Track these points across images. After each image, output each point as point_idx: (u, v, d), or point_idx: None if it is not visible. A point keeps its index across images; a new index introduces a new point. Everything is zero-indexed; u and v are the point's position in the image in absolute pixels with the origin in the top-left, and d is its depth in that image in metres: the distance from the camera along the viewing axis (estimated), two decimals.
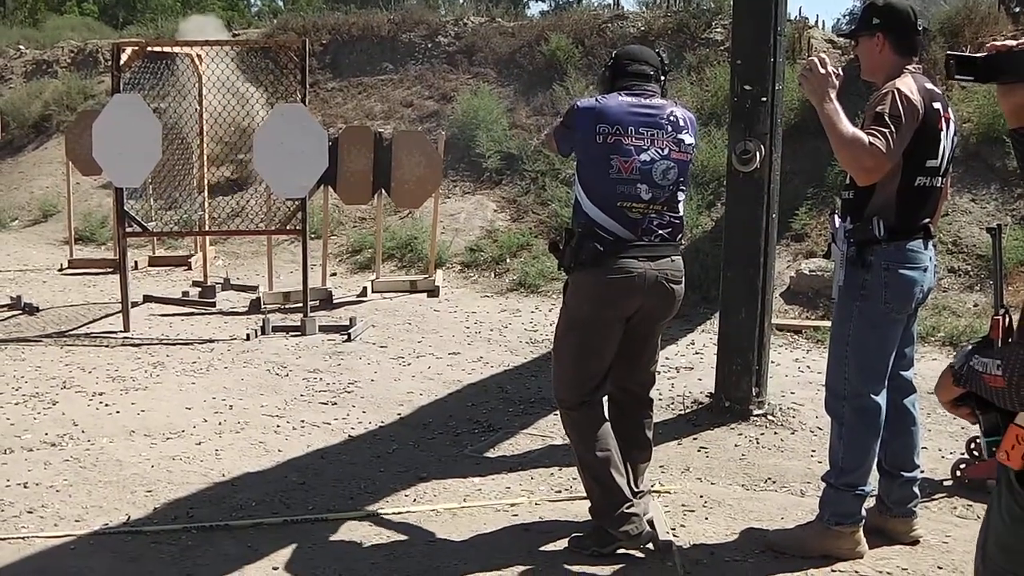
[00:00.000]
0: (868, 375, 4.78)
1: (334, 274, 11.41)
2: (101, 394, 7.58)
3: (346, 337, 8.98)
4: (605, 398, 5.13)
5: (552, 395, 5.25)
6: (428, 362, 8.28)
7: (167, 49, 11.41)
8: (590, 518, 5.09)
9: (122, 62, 9.70)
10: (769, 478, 5.90)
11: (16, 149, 17.40)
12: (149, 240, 12.78)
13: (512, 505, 5.54)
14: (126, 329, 9.48)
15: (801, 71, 4.68)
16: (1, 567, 4.91)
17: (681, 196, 5.07)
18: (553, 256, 5.16)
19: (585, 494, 5.09)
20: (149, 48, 10.54)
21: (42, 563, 4.98)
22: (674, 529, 5.18)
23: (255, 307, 10.13)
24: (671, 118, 5.03)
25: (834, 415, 4.88)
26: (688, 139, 5.08)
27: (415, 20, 16.18)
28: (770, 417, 6.84)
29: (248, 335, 9.11)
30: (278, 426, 6.85)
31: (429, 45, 15.65)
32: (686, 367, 8.00)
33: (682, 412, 7.03)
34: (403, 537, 5.16)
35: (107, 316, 10.12)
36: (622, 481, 4.97)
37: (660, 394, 7.30)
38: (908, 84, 4.60)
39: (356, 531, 5.23)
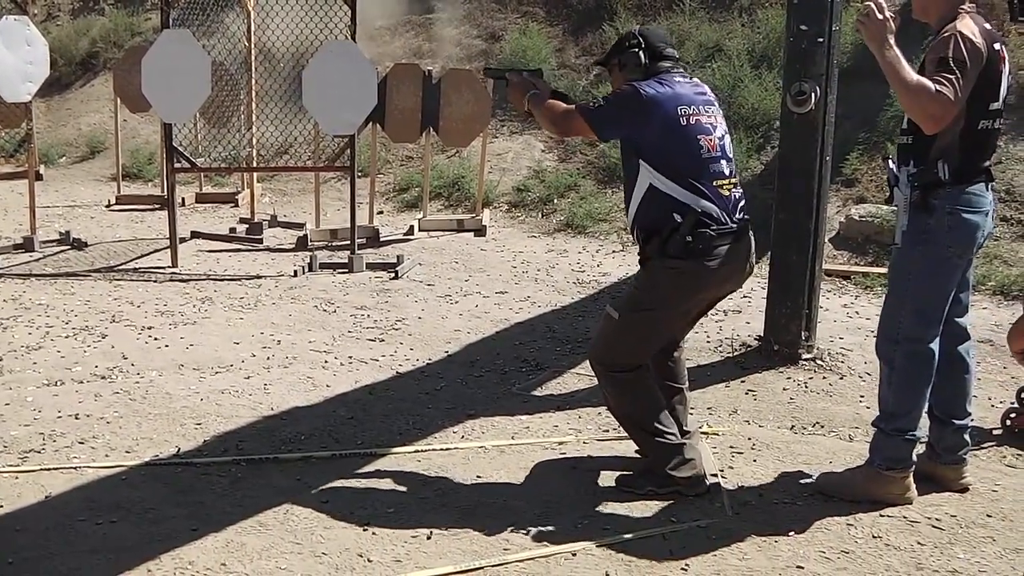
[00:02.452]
0: (924, 320, 4.72)
1: (381, 212, 11.40)
2: (150, 328, 7.63)
3: (393, 275, 8.99)
4: None
5: (596, 359, 5.09)
6: (475, 300, 8.28)
7: None
8: (639, 457, 5.10)
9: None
10: (817, 422, 5.88)
11: (63, 86, 17.40)
12: (196, 177, 12.80)
13: (560, 443, 5.55)
14: (174, 264, 9.53)
15: (858, 18, 4.59)
16: (53, 496, 4.97)
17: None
18: (648, 249, 4.92)
19: (621, 435, 5.12)
20: None
21: (93, 493, 5.03)
22: (722, 471, 5.17)
23: (302, 244, 10.14)
24: (712, 94, 5.13)
25: (885, 359, 4.83)
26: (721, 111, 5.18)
27: None
28: (819, 361, 6.80)
29: (295, 271, 9.13)
30: (326, 362, 6.88)
31: None
32: (734, 310, 7.94)
33: (730, 355, 7.00)
34: (452, 473, 5.17)
35: (155, 252, 10.16)
36: (673, 426, 4.99)
37: (708, 336, 7.29)
38: (969, 26, 4.51)
39: (405, 466, 5.25)
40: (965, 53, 4.41)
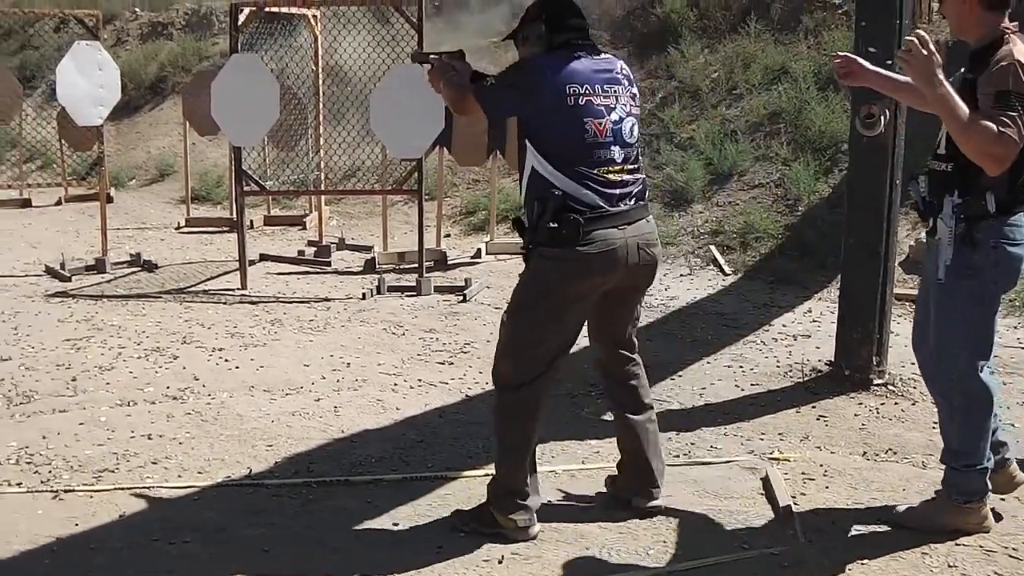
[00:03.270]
0: (978, 353, 4.60)
1: (448, 235, 11.44)
2: (220, 350, 7.70)
3: (461, 298, 9.01)
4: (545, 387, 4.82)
5: (496, 375, 4.84)
6: None
7: (283, 9, 11.46)
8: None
9: (239, 23, 9.79)
10: (890, 448, 5.81)
11: (133, 110, 17.65)
12: (264, 200, 12.92)
13: None
14: (243, 287, 9.62)
15: (900, 55, 4.31)
16: (127, 515, 5.02)
17: (639, 153, 4.90)
18: (517, 232, 4.79)
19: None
20: (266, 9, 10.59)
21: (166, 512, 5.09)
22: (794, 497, 5.11)
23: (370, 267, 10.19)
24: (623, 72, 4.82)
25: (943, 396, 4.73)
26: (636, 91, 4.89)
27: None
28: (891, 387, 6.73)
29: (364, 294, 9.18)
30: (395, 384, 6.91)
31: None
32: (803, 335, 7.90)
33: (800, 380, 6.95)
34: None
35: (224, 274, 10.27)
36: (530, 478, 4.80)
37: (778, 361, 7.24)
38: (1023, 52, 4.32)
39: (475, 490, 5.23)
40: None
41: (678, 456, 5.68)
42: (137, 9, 21.18)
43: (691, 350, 7.57)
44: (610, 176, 4.62)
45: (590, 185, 4.56)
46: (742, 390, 6.79)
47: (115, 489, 5.31)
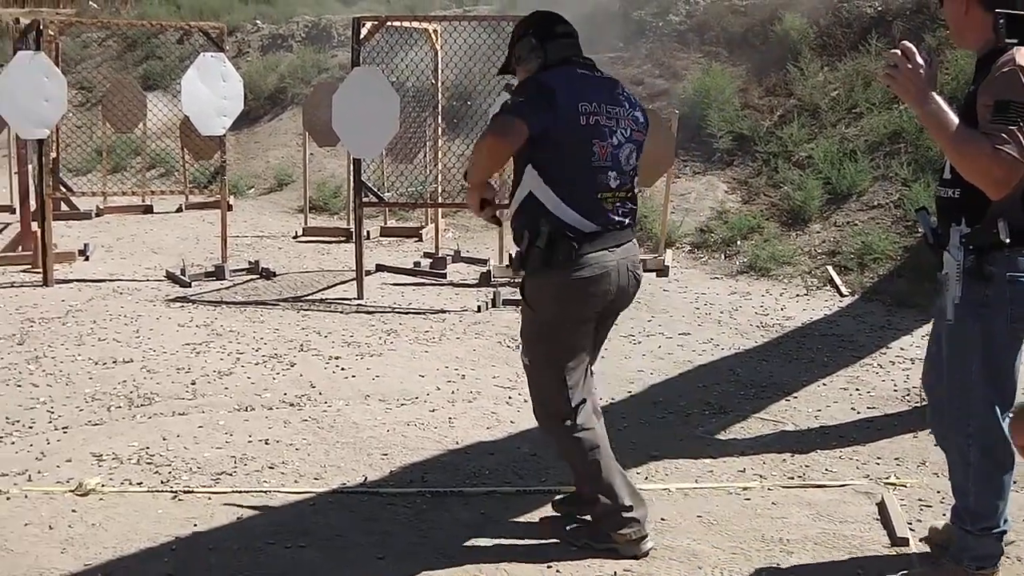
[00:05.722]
0: (996, 404, 4.13)
1: None
2: (337, 358, 7.78)
3: None
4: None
5: (544, 417, 4.86)
6: (658, 341, 8.23)
7: (405, 24, 11.59)
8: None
9: (362, 36, 9.90)
10: None
11: (252, 120, 17.89)
12: (381, 211, 13.02)
13: (744, 489, 5.48)
14: (360, 296, 9.71)
15: (883, 70, 3.91)
16: (244, 518, 5.10)
17: (635, 180, 4.72)
18: (514, 266, 4.69)
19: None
20: (388, 23, 10.70)
21: (282, 517, 5.17)
22: (910, 524, 5.03)
23: (485, 279, 10.23)
24: (626, 94, 4.71)
25: (957, 452, 4.26)
26: (641, 117, 4.71)
27: None
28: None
29: (479, 307, 9.22)
30: (510, 398, 6.93)
31: (660, 23, 15.51)
32: (921, 359, 7.73)
33: (918, 404, 6.83)
34: None
35: (341, 283, 10.37)
36: (623, 485, 4.76)
37: (895, 385, 7.14)
38: None
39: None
40: None
41: (792, 478, 5.62)
42: (258, 21, 21.49)
43: (807, 371, 7.49)
44: (605, 204, 4.53)
45: (585, 209, 4.47)
46: (858, 413, 6.70)
47: (233, 492, 5.40)
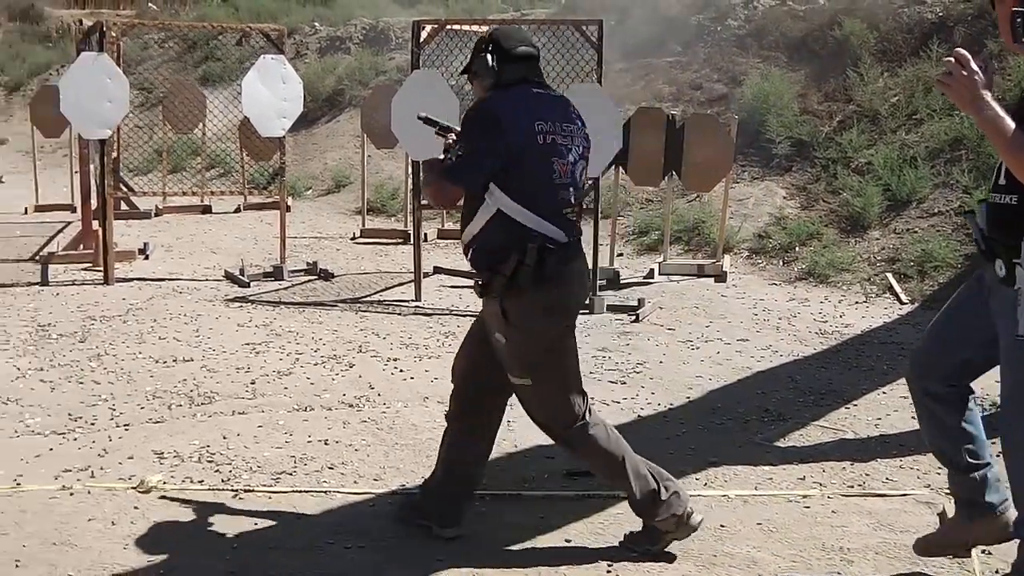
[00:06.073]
0: None
1: (620, 255, 11.41)
2: (395, 360, 7.80)
3: (634, 318, 8.98)
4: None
5: (558, 429, 4.84)
6: (716, 347, 8.21)
7: (464, 27, 11.59)
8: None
9: (421, 39, 9.92)
10: None
11: (310, 122, 17.99)
12: (438, 213, 13.05)
13: (804, 496, 5.44)
14: (417, 298, 9.74)
15: (938, 79, 3.78)
16: (304, 517, 5.13)
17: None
18: (493, 286, 4.51)
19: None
20: (448, 26, 10.72)
21: (341, 517, 5.21)
22: None
23: None
24: (576, 112, 4.68)
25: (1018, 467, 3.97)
26: (587, 134, 4.70)
27: (704, 2, 16.04)
28: None
29: None
30: None
31: (718, 28, 15.47)
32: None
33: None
34: None
35: (398, 285, 10.42)
36: (648, 470, 4.74)
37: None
38: None
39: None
40: None
41: (852, 487, 5.58)
42: (316, 23, 21.63)
43: (866, 379, 7.44)
44: (569, 217, 4.57)
45: (560, 224, 4.50)
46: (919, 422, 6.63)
47: (293, 491, 5.43)
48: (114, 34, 11.03)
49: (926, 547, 4.60)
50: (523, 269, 4.41)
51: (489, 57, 4.60)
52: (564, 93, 9.21)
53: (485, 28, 11.15)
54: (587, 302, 4.89)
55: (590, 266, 4.88)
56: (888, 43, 13.30)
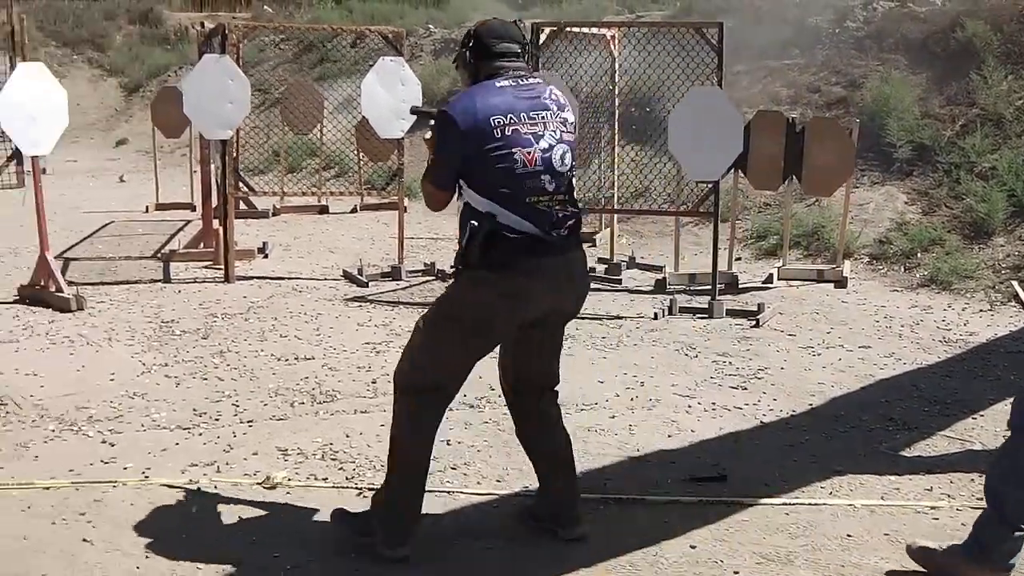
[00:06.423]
0: None
1: (738, 259, 11.31)
2: None
3: (754, 323, 8.89)
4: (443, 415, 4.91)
5: (401, 382, 4.84)
6: (838, 354, 8.08)
7: (583, 29, 11.59)
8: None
9: (540, 41, 9.93)
10: None
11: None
12: None
13: (932, 508, 5.36)
14: None
15: None
16: (429, 518, 5.12)
17: (573, 182, 4.73)
18: (455, 261, 4.69)
19: None
20: (567, 28, 10.72)
21: (466, 518, 5.25)
22: None
23: (660, 287, 10.18)
24: (553, 97, 4.64)
25: None
26: (571, 117, 4.71)
27: (822, 3, 15.85)
28: None
29: (656, 314, 9.16)
30: (689, 406, 6.88)
31: (836, 30, 15.29)
32: None
33: None
34: (820, 530, 5.08)
35: None
36: (411, 505, 4.80)
37: None
38: None
39: (772, 518, 5.19)
40: None
41: (982, 499, 5.46)
42: (430, 26, 21.76)
43: (992, 389, 7.28)
44: (540, 206, 4.53)
45: (522, 212, 4.48)
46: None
47: None
48: (235, 37, 11.19)
49: (924, 559, 4.64)
50: (472, 246, 4.48)
51: (467, 53, 4.69)
52: (684, 95, 9.31)
53: (604, 31, 11.19)
54: (574, 309, 4.76)
55: (592, 267, 4.81)
56: (1013, 45, 13.04)
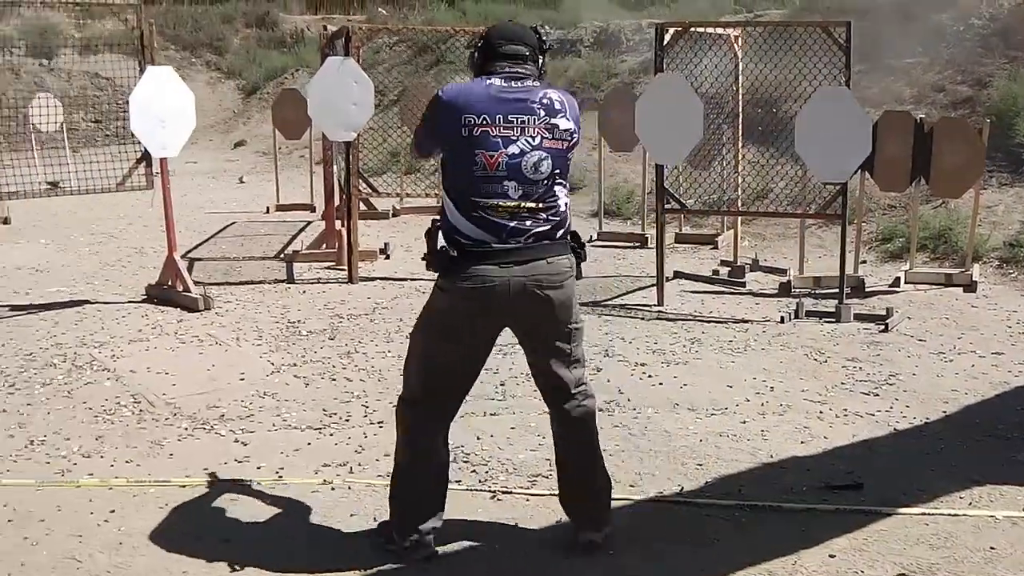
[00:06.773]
0: None
1: (864, 262, 11.16)
2: (643, 365, 7.79)
3: (883, 327, 8.76)
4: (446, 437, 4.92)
5: (403, 390, 4.92)
6: (971, 360, 7.92)
7: (708, 30, 11.51)
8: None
9: (665, 42, 9.89)
10: None
11: None
12: (675, 217, 12.97)
13: None
14: (660, 303, 9.69)
15: None
16: (563, 523, 5.12)
17: (560, 191, 4.58)
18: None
19: None
20: (691, 28, 10.66)
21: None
22: None
23: (785, 290, 10.08)
24: (544, 101, 4.54)
25: None
26: (565, 124, 4.57)
27: (946, 1, 15.58)
28: None
29: (782, 318, 9.06)
30: (821, 412, 6.80)
31: (960, 28, 15.02)
32: None
33: None
34: (961, 541, 4.99)
35: (638, 289, 10.37)
36: (425, 505, 4.83)
37: None
38: None
39: (911, 528, 5.12)
40: None
41: None
42: (545, 27, 21.73)
43: None
44: (499, 212, 4.45)
45: (476, 218, 4.44)
46: None
47: (550, 495, 5.41)
48: (358, 39, 11.27)
49: None
50: (428, 244, 4.57)
51: (476, 55, 4.76)
52: (812, 96, 9.20)
53: (729, 31, 11.11)
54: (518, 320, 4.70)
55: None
56: None
